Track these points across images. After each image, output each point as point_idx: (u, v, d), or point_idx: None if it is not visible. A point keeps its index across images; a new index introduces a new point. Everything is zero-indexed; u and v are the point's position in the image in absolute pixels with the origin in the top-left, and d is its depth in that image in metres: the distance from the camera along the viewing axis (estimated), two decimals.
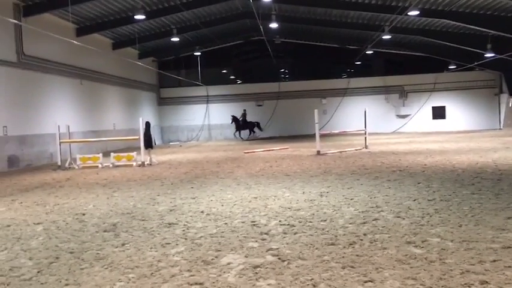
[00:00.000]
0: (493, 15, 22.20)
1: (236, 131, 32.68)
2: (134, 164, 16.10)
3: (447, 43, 28.09)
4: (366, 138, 19.93)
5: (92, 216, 7.37)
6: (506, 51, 24.72)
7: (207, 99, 36.32)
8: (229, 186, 10.05)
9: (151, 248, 5.35)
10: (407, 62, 35.81)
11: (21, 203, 9.10)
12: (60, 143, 16.18)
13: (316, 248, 5.04)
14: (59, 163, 16.03)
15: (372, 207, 7.12)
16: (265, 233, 5.80)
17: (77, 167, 16.06)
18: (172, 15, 24.93)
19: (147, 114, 31.15)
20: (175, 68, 36.34)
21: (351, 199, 7.91)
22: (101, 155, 16.78)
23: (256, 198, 8.44)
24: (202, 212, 7.36)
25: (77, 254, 5.19)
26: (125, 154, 16.90)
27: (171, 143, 33.79)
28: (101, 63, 25.15)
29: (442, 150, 17.39)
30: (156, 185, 10.79)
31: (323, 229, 5.89)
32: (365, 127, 20.10)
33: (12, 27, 17.49)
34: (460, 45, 27.52)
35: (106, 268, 4.66)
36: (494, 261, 4.39)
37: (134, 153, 16.55)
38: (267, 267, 4.47)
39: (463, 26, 24.94)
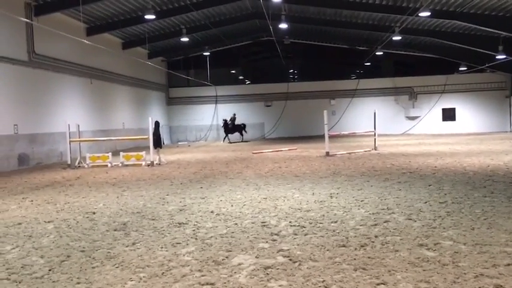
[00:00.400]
0: (505, 17, 22.01)
1: (226, 135, 31.56)
2: (143, 163, 16.15)
3: (458, 44, 27.89)
4: (375, 139, 19.83)
5: (102, 215, 7.39)
6: None
7: (216, 99, 36.35)
8: (239, 187, 10.04)
9: (161, 247, 5.35)
10: (418, 64, 35.62)
11: (32, 201, 9.15)
12: (70, 141, 16.27)
13: (327, 250, 5.01)
14: (69, 162, 16.12)
15: (383, 209, 7.07)
16: (276, 234, 5.77)
17: (86, 166, 16.14)
18: (182, 15, 24.98)
19: (155, 113, 31.22)
20: (184, 68, 36.41)
21: (361, 201, 7.86)
22: (110, 154, 16.86)
23: (265, 198, 8.42)
24: (212, 212, 7.35)
25: (88, 253, 5.21)
26: (134, 153, 16.97)
27: (179, 143, 33.87)
28: (111, 62, 25.27)
29: (452, 152, 17.26)
30: (165, 185, 10.81)
31: (334, 230, 5.85)
32: (374, 128, 20.00)
33: (23, 27, 17.61)
34: (471, 46, 27.30)
35: (117, 267, 4.67)
36: (509, 265, 4.34)
37: (143, 153, 16.61)
38: (278, 268, 4.45)
39: (474, 28, 24.76)
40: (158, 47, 31.09)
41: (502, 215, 6.40)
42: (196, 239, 5.69)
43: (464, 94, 34.86)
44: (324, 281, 4.08)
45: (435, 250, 4.86)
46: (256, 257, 4.86)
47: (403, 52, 34.20)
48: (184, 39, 27.60)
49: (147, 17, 20.78)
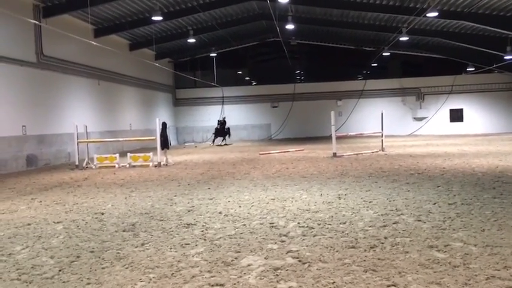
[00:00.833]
0: None
1: (215, 137, 30.23)
2: (150, 164, 16.18)
3: (466, 45, 27.73)
4: (382, 140, 19.76)
5: (110, 216, 7.41)
6: None
7: (223, 100, 36.38)
8: (246, 188, 10.04)
9: (170, 248, 5.36)
10: (425, 64, 35.47)
11: (41, 201, 9.20)
12: (78, 142, 16.35)
13: (337, 251, 4.99)
14: (77, 163, 16.19)
15: (392, 211, 7.04)
16: (284, 235, 5.76)
17: (94, 167, 16.21)
18: (189, 16, 25.01)
19: (162, 114, 31.32)
20: (191, 69, 36.49)
21: (370, 202, 7.83)
22: (117, 155, 16.92)
23: (273, 199, 8.41)
24: (220, 213, 7.35)
25: (97, 253, 5.22)
26: (142, 154, 17.01)
27: (186, 144, 33.93)
28: (118, 64, 25.39)
29: (460, 153, 17.16)
30: (173, 186, 10.83)
31: (343, 232, 5.83)
32: (382, 129, 19.93)
33: (32, 28, 17.72)
34: (479, 47, 27.13)
35: (127, 268, 4.68)
36: None
37: (150, 154, 16.65)
38: (287, 270, 4.44)
39: (482, 28, 24.60)
40: (165, 48, 31.18)
41: None
42: (205, 239, 5.69)
43: (472, 95, 34.67)
44: (333, 282, 4.07)
45: (445, 252, 4.83)
46: (265, 258, 4.86)
47: (410, 53, 34.06)
48: (191, 40, 27.67)
49: (155, 18, 20.85)
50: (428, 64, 35.16)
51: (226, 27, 28.67)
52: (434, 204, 7.45)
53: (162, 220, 6.94)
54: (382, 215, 6.77)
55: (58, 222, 7.05)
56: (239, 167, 14.65)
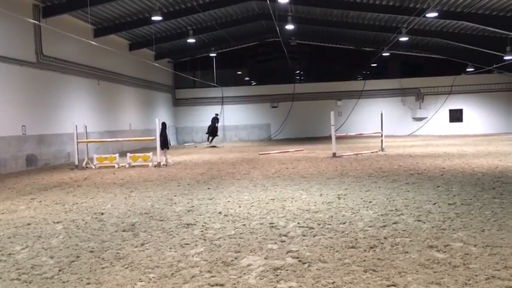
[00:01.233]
0: None
1: (211, 136, 28.94)
2: (150, 164, 16.18)
3: (465, 45, 27.73)
4: (382, 140, 19.76)
5: (110, 216, 7.41)
6: None
7: (222, 101, 36.37)
8: (246, 188, 10.03)
9: (170, 248, 5.35)
10: (425, 64, 35.45)
11: (41, 201, 9.19)
12: (77, 142, 16.34)
13: (337, 251, 4.99)
14: (76, 163, 16.19)
15: (391, 211, 7.04)
16: (284, 235, 5.76)
17: (93, 167, 16.20)
18: (189, 16, 25.00)
19: (162, 114, 31.32)
20: (190, 69, 36.46)
21: (370, 202, 7.83)
22: (117, 155, 16.92)
23: (273, 199, 8.41)
24: (219, 213, 7.35)
25: (97, 253, 5.22)
26: (141, 154, 17.00)
27: (185, 144, 33.93)
28: (118, 64, 25.38)
29: (460, 153, 17.16)
30: (172, 186, 10.82)
31: (342, 232, 5.83)
32: (381, 130, 19.93)
33: (31, 28, 17.71)
34: (479, 47, 27.12)
35: (126, 268, 4.68)
36: None
37: (150, 154, 16.65)
38: (287, 270, 4.44)
39: (482, 28, 24.61)
40: (165, 48, 31.17)
41: None
42: (204, 239, 5.69)
43: (472, 95, 34.67)
44: (333, 282, 4.07)
45: (445, 252, 4.83)
46: (265, 258, 4.85)
47: (410, 53, 34.06)
48: (191, 40, 27.66)
49: (154, 18, 20.83)
50: (428, 64, 35.15)
51: (225, 27, 28.65)
52: (434, 204, 7.46)
53: (161, 220, 6.93)
54: (381, 215, 6.77)
55: (58, 222, 7.05)
56: (239, 167, 14.65)
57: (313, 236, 5.66)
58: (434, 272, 4.22)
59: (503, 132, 33.19)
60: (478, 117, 34.73)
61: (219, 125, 30.37)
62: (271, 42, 34.97)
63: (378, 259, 4.66)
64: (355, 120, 34.88)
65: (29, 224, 6.99)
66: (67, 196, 9.79)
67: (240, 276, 4.31)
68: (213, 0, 23.65)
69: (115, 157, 16.60)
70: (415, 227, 5.98)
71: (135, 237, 5.95)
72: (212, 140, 28.94)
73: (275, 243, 5.42)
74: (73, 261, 4.98)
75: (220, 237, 5.77)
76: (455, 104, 34.96)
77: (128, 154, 16.99)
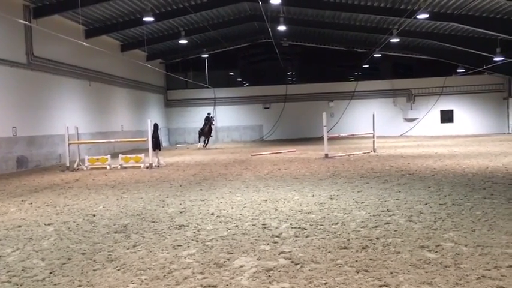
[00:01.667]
0: (503, 19, 22.09)
1: (206, 138, 27.82)
2: (142, 165, 16.12)
3: (456, 46, 27.96)
4: (374, 141, 19.84)
5: (102, 218, 7.37)
6: None
7: (214, 102, 36.33)
8: (238, 189, 10.03)
9: (163, 249, 5.34)
10: (416, 65, 35.70)
11: (31, 203, 9.13)
12: (68, 144, 16.24)
13: (329, 252, 5.01)
14: (68, 164, 16.09)
15: (383, 211, 7.07)
16: (277, 236, 5.77)
17: (85, 168, 16.11)
18: (181, 17, 24.94)
19: (154, 116, 31.20)
20: (183, 70, 36.42)
21: (362, 202, 7.86)
22: (109, 156, 16.83)
23: (266, 200, 8.42)
24: (212, 214, 7.34)
25: (88, 255, 5.19)
26: (133, 156, 16.93)
27: (178, 145, 33.84)
28: (110, 65, 25.26)
29: (451, 154, 17.28)
30: (164, 187, 10.79)
31: (335, 232, 5.85)
32: (373, 130, 20.01)
33: (22, 29, 17.59)
34: (469, 48, 27.36)
35: (118, 269, 4.66)
36: (510, 266, 4.35)
37: (142, 155, 16.58)
38: (280, 271, 4.44)
39: (472, 30, 24.82)
40: (157, 49, 31.09)
41: (502, 217, 6.40)
42: (197, 241, 5.68)
43: (462, 96, 34.93)
44: (326, 283, 4.08)
45: (437, 252, 4.87)
46: (257, 259, 4.86)
47: (401, 54, 34.27)
48: (183, 41, 27.61)
49: (146, 19, 20.76)
50: (419, 65, 35.39)
51: (217, 28, 28.62)
52: (426, 204, 7.50)
53: (154, 221, 6.91)
54: (373, 215, 6.80)
55: (49, 224, 7.00)
56: (231, 168, 14.64)
57: (306, 237, 5.67)
58: (426, 272, 4.25)
59: (494, 133, 33.46)
60: (468, 117, 34.99)
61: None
62: (263, 43, 35.02)
63: (370, 259, 4.68)
64: (347, 121, 34.99)
65: (19, 226, 6.94)
66: (58, 198, 9.72)
67: (233, 278, 4.30)
68: (205, 1, 23.63)
69: (107, 158, 16.52)
70: (407, 227, 6.01)
71: (127, 238, 5.92)
72: (207, 141, 28.06)
73: (268, 244, 5.43)
74: (64, 263, 4.95)
75: (212, 239, 5.76)
76: (446, 104, 35.19)
77: (120, 155, 16.92)
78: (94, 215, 7.60)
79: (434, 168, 12.59)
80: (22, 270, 4.78)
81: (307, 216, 6.92)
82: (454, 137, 30.24)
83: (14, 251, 5.53)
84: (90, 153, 19.24)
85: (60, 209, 8.37)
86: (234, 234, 5.94)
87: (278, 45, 31.62)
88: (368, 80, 36.09)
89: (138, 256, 5.10)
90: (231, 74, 39.22)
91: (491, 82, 34.41)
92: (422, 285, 3.95)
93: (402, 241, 5.33)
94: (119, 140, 22.26)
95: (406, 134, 35.19)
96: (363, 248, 5.08)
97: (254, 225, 6.46)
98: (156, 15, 21.96)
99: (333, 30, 30.43)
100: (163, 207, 8.16)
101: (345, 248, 5.14)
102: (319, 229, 6.06)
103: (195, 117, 36.13)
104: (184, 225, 6.56)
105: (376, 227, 6.08)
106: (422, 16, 20.99)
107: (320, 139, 23.77)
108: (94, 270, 4.68)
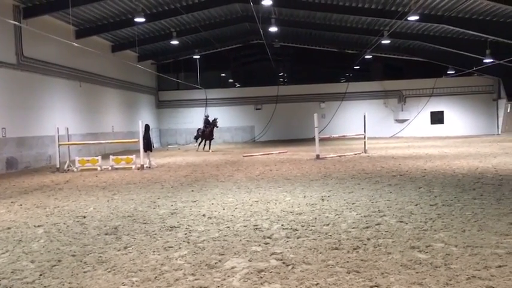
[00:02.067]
0: (492, 21, 22.28)
1: (203, 140, 25.50)
2: (133, 166, 16.05)
3: (446, 48, 28.18)
4: (365, 142, 19.92)
5: (92, 219, 7.33)
6: (505, 57, 24.81)
7: (206, 103, 36.27)
8: (230, 190, 10.02)
9: (154, 251, 5.32)
10: (406, 67, 35.93)
11: (21, 205, 9.05)
12: (59, 145, 16.13)
13: (320, 253, 5.02)
14: (58, 165, 15.98)
15: (374, 212, 7.10)
16: (268, 237, 5.77)
17: (75, 170, 16.00)
18: (172, 18, 24.88)
19: (145, 116, 31.07)
20: (174, 71, 36.30)
21: (353, 203, 7.89)
22: (99, 157, 16.74)
23: (257, 202, 8.42)
24: (203, 215, 7.33)
25: (79, 257, 5.16)
26: (124, 157, 16.85)
27: (169, 146, 33.74)
28: (100, 65, 25.13)
29: (441, 155, 17.40)
30: (156, 188, 10.75)
31: (326, 233, 5.87)
32: (364, 131, 20.09)
33: (11, 29, 17.44)
34: (459, 50, 27.60)
35: (109, 271, 4.63)
36: (500, 266, 4.38)
37: (133, 156, 16.51)
38: (271, 272, 4.45)
39: (462, 32, 25.03)
40: (148, 50, 30.99)
41: (492, 217, 6.46)
42: (188, 242, 5.67)
43: (453, 97, 35.18)
44: (317, 284, 4.09)
45: (427, 252, 4.90)
46: (249, 260, 4.85)
47: (392, 55, 34.46)
48: (175, 42, 27.54)
49: (137, 19, 20.65)
50: (409, 67, 35.60)
51: (209, 29, 28.60)
52: (416, 205, 7.54)
53: (145, 223, 6.88)
54: (364, 216, 6.83)
55: (39, 226, 6.95)
56: (223, 169, 14.62)
57: (297, 238, 5.68)
58: (417, 273, 4.27)
59: (483, 134, 33.74)
60: (458, 119, 35.25)
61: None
62: (255, 44, 35.04)
63: (361, 260, 4.70)
64: (338, 122, 35.10)
65: (9, 228, 6.88)
66: (48, 199, 9.65)
67: (224, 279, 4.30)
68: (197, 2, 23.60)
69: (97, 159, 16.42)
70: (398, 228, 6.04)
71: (117, 240, 5.89)
72: (210, 144, 25.15)
73: (259, 245, 5.43)
74: (54, 265, 4.91)
75: (204, 240, 5.75)
76: (436, 106, 35.43)
77: (111, 156, 16.83)
78: (84, 217, 7.55)
79: (425, 169, 12.67)
80: (12, 272, 4.74)
81: (298, 217, 6.93)
82: (444, 138, 30.45)
83: (4, 253, 5.48)
84: (81, 154, 19.14)
85: (50, 210, 8.31)
86: (225, 236, 5.94)
87: (270, 46, 31.67)
88: (359, 81, 36.24)
89: (129, 258, 5.07)
90: (223, 75, 39.21)
91: (481, 84, 34.71)
92: (412, 285, 3.97)
93: (393, 242, 5.36)
94: (109, 141, 22.13)
95: (397, 135, 35.37)
96: (354, 249, 5.10)
97: (245, 226, 6.45)
98: (147, 16, 21.87)
99: (324, 32, 30.55)
100: (154, 208, 8.13)
101: (336, 248, 5.15)
102: (311, 230, 6.08)
103: (187, 118, 36.10)
104: (175, 227, 6.54)
105: (367, 227, 6.11)
106: (413, 18, 21.14)
107: (311, 140, 23.83)
108: (84, 272, 4.65)
